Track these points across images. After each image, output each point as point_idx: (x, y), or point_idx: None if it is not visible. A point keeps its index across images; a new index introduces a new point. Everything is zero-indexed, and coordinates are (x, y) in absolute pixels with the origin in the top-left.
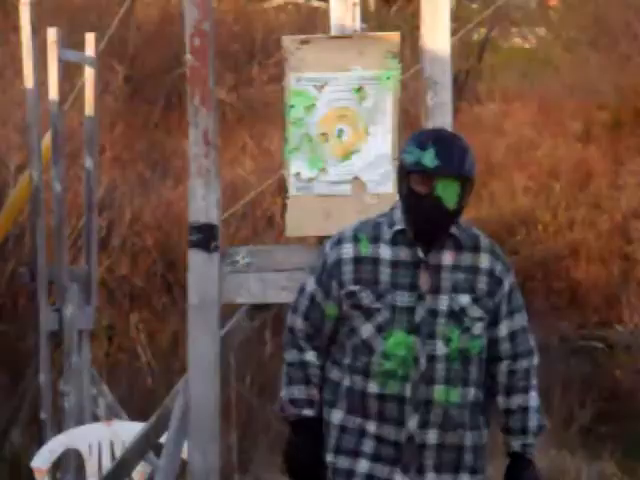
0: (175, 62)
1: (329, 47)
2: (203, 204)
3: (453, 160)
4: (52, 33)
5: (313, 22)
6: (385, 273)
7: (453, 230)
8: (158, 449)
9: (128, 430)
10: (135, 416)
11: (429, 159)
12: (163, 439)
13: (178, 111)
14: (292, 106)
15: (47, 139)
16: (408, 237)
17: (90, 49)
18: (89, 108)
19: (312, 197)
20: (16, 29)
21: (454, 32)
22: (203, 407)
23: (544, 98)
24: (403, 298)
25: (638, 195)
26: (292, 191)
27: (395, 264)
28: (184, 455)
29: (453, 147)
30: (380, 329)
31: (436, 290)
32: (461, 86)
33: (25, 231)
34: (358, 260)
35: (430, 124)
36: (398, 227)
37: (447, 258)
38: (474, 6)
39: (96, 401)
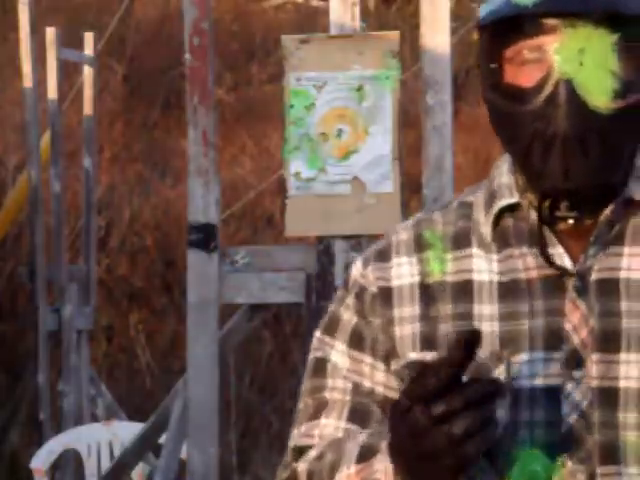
0: (174, 61)
1: (329, 46)
2: (202, 204)
3: None
4: (51, 32)
5: (312, 21)
6: (489, 314)
7: (636, 189)
8: (157, 449)
9: (127, 430)
10: (134, 416)
11: None
12: (162, 439)
13: (177, 111)
14: (292, 106)
15: (46, 138)
16: (530, 222)
17: (89, 48)
18: (88, 107)
19: (312, 197)
20: (15, 28)
21: (454, 31)
22: (202, 407)
23: None
24: (533, 369)
25: None
26: (291, 191)
27: (509, 289)
28: (183, 455)
29: None
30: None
31: (610, 341)
32: (461, 85)
33: (24, 231)
34: (427, 292)
35: (430, 123)
36: (506, 201)
37: (636, 262)
38: (474, 5)
39: (95, 401)
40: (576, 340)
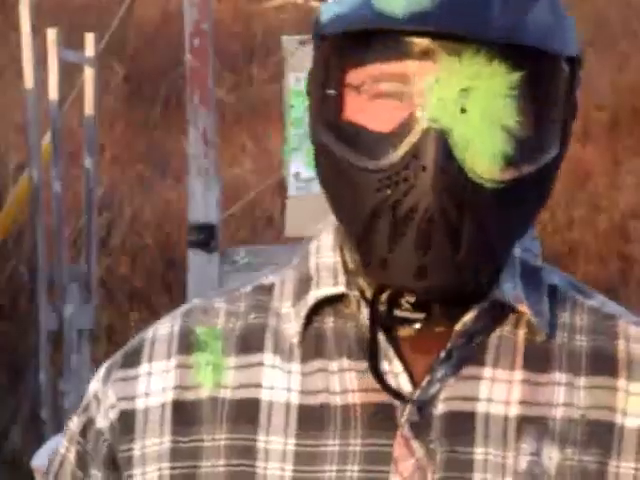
0: (175, 62)
1: None
2: (202, 204)
3: None
4: (52, 33)
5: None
6: (280, 452)
7: (508, 290)
8: None
9: None
10: None
11: None
12: None
13: (178, 111)
14: (292, 106)
15: (47, 139)
16: (359, 323)
17: (90, 49)
18: (89, 108)
19: (311, 197)
20: (15, 29)
21: None
22: None
23: None
24: None
25: (636, 195)
26: (291, 191)
27: (314, 417)
28: None
29: None
30: None
31: None
32: None
33: (25, 231)
34: (185, 414)
35: None
36: (327, 290)
37: (499, 390)
38: None
39: None
40: None
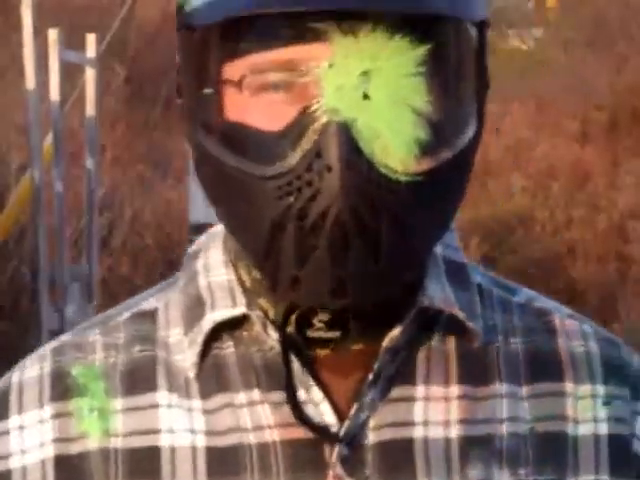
0: (175, 62)
1: None
2: (203, 204)
3: None
4: (53, 34)
5: None
6: None
7: (436, 293)
8: None
9: None
10: None
11: None
12: None
13: (178, 111)
14: None
15: (48, 140)
16: (267, 347)
17: (91, 50)
18: (90, 108)
19: None
20: (17, 29)
21: None
22: None
23: (542, 99)
24: None
25: (635, 195)
26: None
27: (227, 462)
28: None
29: None
30: None
31: None
32: None
33: (26, 231)
34: (71, 472)
35: None
36: (224, 312)
37: (435, 410)
38: None
39: None
40: None
